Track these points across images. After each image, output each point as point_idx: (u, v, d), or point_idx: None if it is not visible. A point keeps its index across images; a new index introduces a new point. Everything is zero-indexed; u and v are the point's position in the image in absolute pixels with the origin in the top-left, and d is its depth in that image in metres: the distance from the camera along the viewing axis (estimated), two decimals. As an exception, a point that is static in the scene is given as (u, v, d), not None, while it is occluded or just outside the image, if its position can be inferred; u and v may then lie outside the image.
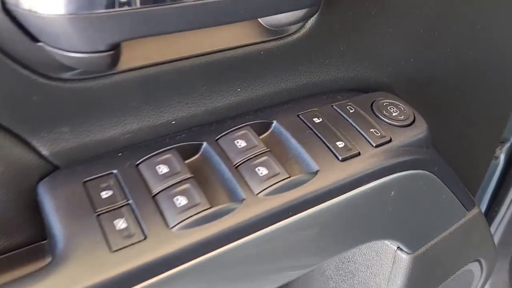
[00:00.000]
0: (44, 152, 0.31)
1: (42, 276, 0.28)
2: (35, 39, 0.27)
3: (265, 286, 0.38)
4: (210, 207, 0.31)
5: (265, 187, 0.34)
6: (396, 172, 0.39)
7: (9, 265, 0.33)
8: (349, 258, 0.56)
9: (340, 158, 0.37)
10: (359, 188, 0.37)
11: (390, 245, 0.49)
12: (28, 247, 0.34)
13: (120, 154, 0.34)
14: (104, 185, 0.32)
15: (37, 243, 0.34)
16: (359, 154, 0.38)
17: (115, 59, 0.28)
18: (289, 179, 0.34)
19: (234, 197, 0.33)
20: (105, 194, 0.31)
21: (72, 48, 0.26)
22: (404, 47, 0.47)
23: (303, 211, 0.35)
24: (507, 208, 0.96)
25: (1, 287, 0.27)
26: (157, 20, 0.27)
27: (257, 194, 0.33)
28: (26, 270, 0.32)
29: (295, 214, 0.34)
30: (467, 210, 0.53)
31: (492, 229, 1.01)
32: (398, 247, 0.49)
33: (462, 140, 0.68)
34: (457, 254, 0.58)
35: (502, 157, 0.96)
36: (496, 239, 1.01)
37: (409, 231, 0.47)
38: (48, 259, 0.32)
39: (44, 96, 0.29)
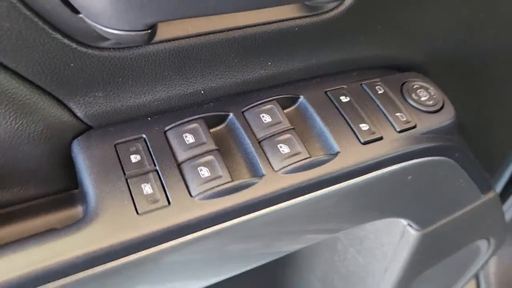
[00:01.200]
0: (79, 113, 0.33)
1: (75, 230, 0.30)
2: (75, 11, 0.27)
3: (278, 253, 0.41)
4: (231, 181, 0.33)
5: (285, 165, 0.35)
6: (416, 158, 0.40)
7: (46, 209, 0.35)
8: (359, 226, 0.58)
9: (362, 141, 0.38)
10: (376, 172, 0.38)
11: (401, 221, 0.51)
12: (61, 194, 0.37)
13: (150, 119, 0.36)
14: (133, 149, 0.34)
15: (70, 191, 0.37)
16: (381, 138, 0.39)
17: (151, 36, 0.29)
18: (309, 159, 0.36)
19: (255, 172, 0.35)
20: (134, 158, 0.33)
21: (111, 25, 0.27)
22: (444, 28, 0.46)
23: (319, 190, 0.36)
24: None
25: (38, 236, 0.30)
26: (196, 2, 0.27)
27: (277, 171, 0.35)
28: (59, 214, 0.35)
29: (311, 192, 0.36)
30: (482, 194, 0.54)
31: (506, 206, 1.01)
32: (408, 224, 0.51)
33: (489, 125, 0.67)
34: (465, 233, 0.60)
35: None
36: (509, 216, 1.02)
37: (421, 211, 0.48)
38: (79, 208, 0.35)
39: (81, 63, 0.30)
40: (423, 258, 0.55)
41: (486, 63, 0.56)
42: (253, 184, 0.34)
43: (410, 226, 0.51)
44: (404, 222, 0.51)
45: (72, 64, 0.30)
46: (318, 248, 0.66)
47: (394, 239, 0.54)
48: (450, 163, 0.44)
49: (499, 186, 1.02)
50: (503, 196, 1.03)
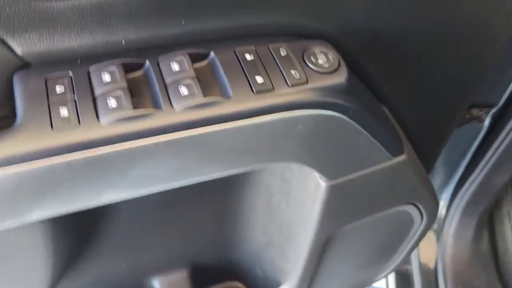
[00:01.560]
0: (18, 51, 0.42)
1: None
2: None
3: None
4: (134, 111, 0.41)
5: (183, 104, 0.43)
6: (304, 109, 0.47)
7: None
8: (286, 179, 0.66)
9: (255, 90, 0.46)
10: (266, 117, 0.46)
11: (314, 173, 0.58)
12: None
13: (79, 62, 0.44)
14: (59, 82, 0.42)
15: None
16: (273, 89, 0.46)
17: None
18: (204, 99, 0.44)
19: (157, 108, 0.43)
20: (58, 90, 0.42)
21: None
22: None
23: (211, 125, 0.44)
24: (481, 170, 1.01)
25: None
26: None
27: (175, 108, 0.43)
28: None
29: (205, 126, 0.44)
30: (392, 156, 0.60)
31: (464, 189, 1.07)
32: (318, 175, 0.58)
33: (422, 101, 0.73)
34: (381, 195, 0.66)
35: (487, 122, 1.00)
36: (466, 198, 1.08)
37: (323, 161, 0.55)
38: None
39: (19, 9, 0.39)
40: (336, 211, 0.62)
41: (411, 40, 0.62)
42: (152, 115, 0.42)
43: (320, 178, 0.58)
44: (316, 173, 0.58)
45: (11, 8, 0.39)
46: (257, 202, 0.73)
47: (310, 191, 0.61)
48: (344, 120, 0.51)
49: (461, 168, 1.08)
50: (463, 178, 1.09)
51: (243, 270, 0.84)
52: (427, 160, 0.83)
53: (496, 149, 0.97)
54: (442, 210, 1.15)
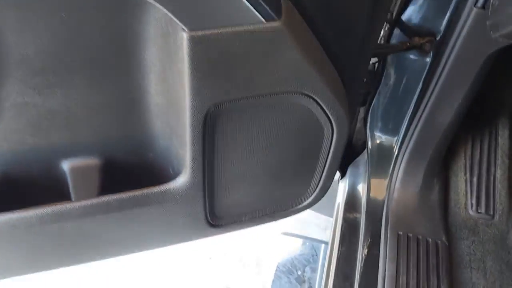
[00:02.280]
0: None
1: None
2: None
3: None
4: None
5: None
6: None
7: None
8: (162, 46, 0.67)
9: None
10: None
11: (174, 19, 0.58)
12: None
13: None
14: None
15: None
16: None
17: None
18: None
19: None
20: None
21: None
22: None
23: None
24: (425, 107, 0.98)
25: None
26: None
27: None
28: None
29: None
30: (264, 19, 0.60)
31: (412, 128, 1.03)
32: (182, 29, 0.59)
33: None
34: (260, 70, 0.65)
35: (431, 54, 0.97)
36: (414, 139, 1.04)
37: (182, 6, 0.56)
38: None
39: None
40: (207, 76, 0.63)
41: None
42: None
43: (182, 27, 0.59)
44: (178, 22, 0.58)
45: None
46: (147, 82, 0.75)
47: (178, 44, 0.61)
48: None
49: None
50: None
51: (150, 162, 0.85)
52: (350, 80, 0.82)
53: (436, 82, 0.93)
54: (393, 154, 1.11)
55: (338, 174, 1.34)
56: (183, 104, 0.68)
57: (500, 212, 1.09)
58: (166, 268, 1.91)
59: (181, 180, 0.79)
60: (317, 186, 0.94)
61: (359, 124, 1.34)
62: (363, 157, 1.30)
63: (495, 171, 1.13)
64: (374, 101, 1.15)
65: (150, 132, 0.83)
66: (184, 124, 0.70)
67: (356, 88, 0.90)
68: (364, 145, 1.32)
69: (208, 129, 0.71)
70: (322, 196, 0.99)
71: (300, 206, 0.97)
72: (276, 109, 0.73)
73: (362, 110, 1.25)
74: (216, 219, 0.92)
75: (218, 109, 0.69)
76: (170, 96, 0.73)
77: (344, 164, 1.31)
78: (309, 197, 0.96)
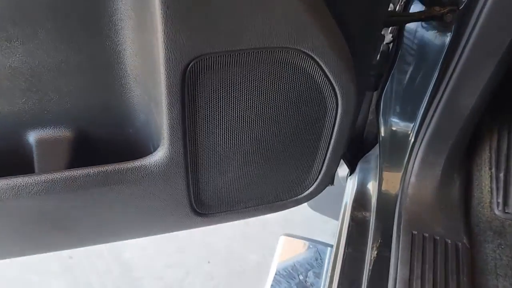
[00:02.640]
0: None
1: None
2: None
3: None
4: None
5: None
6: None
7: None
8: None
9: None
10: None
11: None
12: None
13: None
14: None
15: None
16: None
17: None
18: None
19: None
20: None
21: None
22: None
23: None
24: (445, 89, 0.86)
25: None
26: None
27: None
28: None
29: None
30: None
31: (429, 115, 0.91)
32: None
33: None
34: (247, 15, 0.54)
35: (453, 26, 0.85)
36: (432, 127, 0.91)
37: None
38: None
39: None
40: (181, 27, 0.52)
41: None
42: None
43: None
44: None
45: None
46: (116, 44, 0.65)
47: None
48: None
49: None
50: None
51: (127, 136, 0.75)
52: (359, 49, 0.71)
53: (459, 59, 0.81)
54: (409, 143, 0.99)
55: (346, 171, 1.22)
56: (158, 60, 0.58)
57: (530, 213, 0.96)
58: (158, 269, 1.80)
59: (159, 155, 0.68)
60: (319, 173, 0.82)
61: (371, 116, 1.22)
62: (375, 152, 1.18)
63: (524, 166, 1.00)
64: (387, 85, 1.04)
65: (129, 102, 0.73)
66: (159, 84, 0.60)
67: (366, 62, 0.78)
68: (376, 140, 1.20)
69: (188, 89, 0.60)
70: (325, 186, 0.87)
71: (300, 196, 0.86)
72: (269, 70, 0.62)
73: (373, 98, 1.14)
74: (203, 206, 0.81)
75: (198, 65, 0.58)
76: (147, 55, 0.63)
77: (353, 159, 1.19)
78: (310, 186, 0.85)
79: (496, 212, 0.96)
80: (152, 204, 0.76)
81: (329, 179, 0.86)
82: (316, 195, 0.87)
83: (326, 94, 0.68)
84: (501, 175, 1.00)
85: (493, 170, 1.01)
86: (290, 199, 0.88)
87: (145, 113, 0.73)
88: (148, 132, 0.74)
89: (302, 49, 0.60)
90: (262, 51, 0.59)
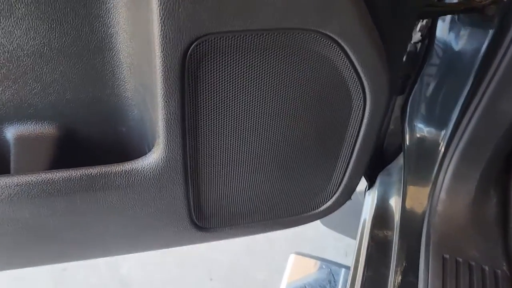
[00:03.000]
0: None
1: None
2: None
3: None
4: None
5: None
6: None
7: None
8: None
9: None
10: None
11: None
12: None
13: None
14: None
15: None
16: None
17: None
18: None
19: None
20: None
21: None
22: None
23: None
24: (484, 91, 0.75)
25: None
26: None
27: None
28: None
29: None
30: None
31: (464, 122, 0.80)
32: None
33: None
34: None
35: (496, 20, 0.75)
36: (466, 135, 0.80)
37: None
38: None
39: None
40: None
41: None
42: None
43: None
44: None
45: None
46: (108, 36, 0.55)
47: None
48: None
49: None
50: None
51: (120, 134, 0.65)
52: (390, 41, 0.61)
53: (502, 58, 0.71)
54: (439, 154, 0.88)
55: (365, 184, 1.10)
56: (154, 41, 0.48)
57: None
58: (157, 285, 1.68)
59: (153, 157, 0.58)
60: (339, 185, 0.71)
61: (392, 126, 1.11)
62: (397, 164, 1.07)
63: None
64: (415, 88, 0.93)
65: (121, 95, 0.63)
66: (155, 71, 0.50)
67: (397, 59, 0.68)
68: (398, 150, 1.09)
69: (190, 77, 0.50)
70: (346, 200, 0.76)
71: (315, 211, 0.75)
72: (287, 58, 0.52)
73: (397, 105, 1.03)
74: (205, 219, 0.70)
75: (202, 47, 0.48)
76: (143, 38, 0.53)
77: (373, 172, 1.08)
78: (328, 200, 0.74)
79: (540, 235, 0.84)
80: (145, 215, 0.65)
81: (350, 192, 0.75)
82: (334, 210, 0.76)
83: (352, 89, 0.57)
84: (544, 192, 0.88)
85: (535, 186, 0.89)
86: (304, 214, 0.77)
87: (140, 108, 0.63)
88: (143, 131, 0.64)
89: (326, 32, 0.50)
90: (281, 34, 0.49)
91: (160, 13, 0.44)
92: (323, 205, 0.74)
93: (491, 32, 0.76)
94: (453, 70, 0.86)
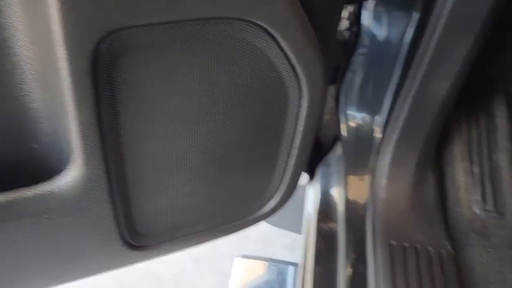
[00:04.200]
0: None
1: None
2: None
3: None
4: None
5: None
6: None
7: None
8: None
9: None
10: None
11: None
12: None
13: None
14: None
15: None
16: None
17: None
18: None
19: None
20: None
21: None
22: None
23: None
24: (416, 72, 0.75)
25: None
26: None
27: None
28: None
29: None
30: None
31: (399, 104, 0.79)
32: None
33: None
34: None
35: (421, 2, 0.74)
36: (402, 118, 0.79)
37: None
38: None
39: None
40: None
41: None
42: None
43: None
44: None
45: None
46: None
47: None
48: None
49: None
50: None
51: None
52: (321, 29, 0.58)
53: (429, 41, 0.71)
54: (376, 141, 0.87)
55: (306, 177, 1.08)
56: (55, 40, 0.41)
57: (511, 208, 0.87)
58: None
59: (70, 175, 0.50)
60: (281, 182, 0.67)
61: (327, 116, 1.10)
62: (335, 154, 1.06)
63: (497, 158, 0.92)
64: (347, 77, 0.92)
65: (28, 107, 0.54)
66: (61, 74, 0.43)
67: (328, 46, 0.65)
68: (335, 141, 1.08)
69: (103, 80, 0.43)
70: (289, 197, 0.72)
71: (260, 212, 0.70)
72: (213, 50, 0.47)
73: (330, 95, 1.02)
74: (139, 237, 0.63)
75: (115, 44, 0.42)
76: (46, 39, 0.45)
77: (311, 164, 1.06)
78: (271, 199, 0.70)
79: (476, 211, 0.86)
80: (70, 242, 0.57)
81: (293, 189, 0.72)
82: (279, 209, 0.72)
83: (287, 80, 0.53)
84: (476, 169, 0.91)
85: (467, 164, 0.91)
86: (248, 217, 0.73)
87: (52, 121, 0.55)
88: (58, 147, 0.56)
89: (255, 20, 0.45)
90: (206, 24, 0.44)
91: (59, 6, 0.37)
92: (266, 205, 0.70)
93: (415, 14, 0.75)
94: (383, 56, 0.85)
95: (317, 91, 0.55)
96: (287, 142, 0.61)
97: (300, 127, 0.58)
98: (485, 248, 0.81)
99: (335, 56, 0.87)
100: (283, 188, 0.68)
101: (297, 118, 0.58)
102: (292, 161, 0.64)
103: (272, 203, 0.70)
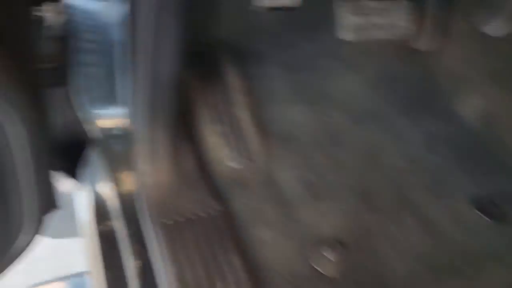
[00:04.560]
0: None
1: None
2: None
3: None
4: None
5: None
6: None
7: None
8: None
9: None
10: None
11: None
12: None
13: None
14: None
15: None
16: None
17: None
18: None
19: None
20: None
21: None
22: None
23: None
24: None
25: None
26: None
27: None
28: None
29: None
30: None
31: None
32: None
33: None
34: None
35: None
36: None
37: None
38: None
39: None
40: None
41: None
42: None
43: None
44: None
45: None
46: None
47: None
48: None
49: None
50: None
51: None
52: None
53: (137, 24, 0.71)
54: (125, 129, 0.86)
55: (68, 183, 1.01)
56: None
57: (258, 154, 0.98)
58: None
59: None
60: (23, 214, 0.60)
61: (71, 117, 1.02)
62: (94, 153, 1.01)
63: (238, 112, 1.01)
64: (77, 75, 0.86)
65: None
66: None
67: (24, 54, 0.58)
68: (85, 139, 1.02)
69: None
70: (39, 225, 0.66)
71: (8, 253, 0.62)
72: None
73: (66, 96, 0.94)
74: None
75: None
76: None
77: (71, 169, 0.99)
78: (18, 234, 0.62)
79: (232, 165, 0.95)
80: None
81: (44, 212, 0.66)
82: (31, 240, 0.65)
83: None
84: (223, 127, 0.99)
85: (216, 125, 0.98)
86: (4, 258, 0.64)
87: None
88: None
89: None
90: None
91: None
92: (14, 242, 0.63)
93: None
94: (107, 48, 0.82)
95: (29, 125, 0.49)
96: (9, 173, 0.54)
97: (15, 155, 0.52)
98: (247, 194, 0.90)
99: (53, 57, 0.80)
100: (28, 218, 0.61)
101: (10, 160, 0.51)
102: (25, 190, 0.57)
103: (22, 237, 0.63)
